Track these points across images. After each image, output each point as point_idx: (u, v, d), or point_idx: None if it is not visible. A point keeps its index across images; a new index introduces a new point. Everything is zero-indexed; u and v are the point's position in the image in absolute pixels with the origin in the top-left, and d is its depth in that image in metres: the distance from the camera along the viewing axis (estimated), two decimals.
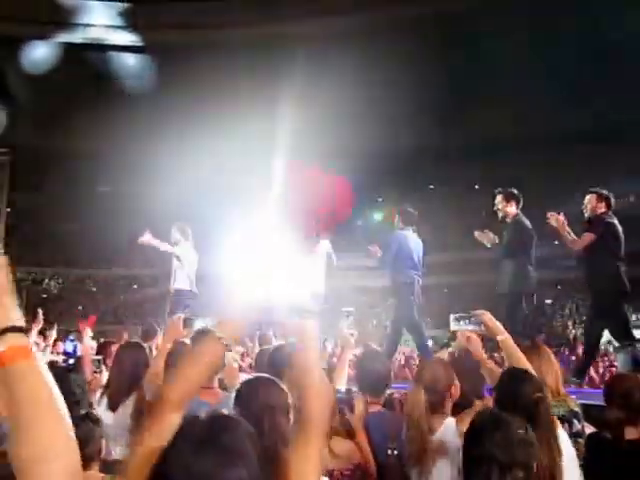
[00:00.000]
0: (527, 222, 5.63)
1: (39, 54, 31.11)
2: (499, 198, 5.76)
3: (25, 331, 1.13)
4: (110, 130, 35.50)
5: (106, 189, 40.02)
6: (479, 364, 2.97)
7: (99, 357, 4.73)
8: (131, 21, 31.90)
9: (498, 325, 2.90)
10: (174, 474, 1.02)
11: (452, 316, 3.29)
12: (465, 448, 1.89)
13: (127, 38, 32.32)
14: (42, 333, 6.33)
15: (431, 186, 37.65)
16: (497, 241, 5.74)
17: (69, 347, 6.68)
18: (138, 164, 31.83)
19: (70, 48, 31.44)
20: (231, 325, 1.43)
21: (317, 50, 28.23)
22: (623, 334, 5.36)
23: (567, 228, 5.41)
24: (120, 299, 35.54)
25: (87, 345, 5.06)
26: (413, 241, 6.27)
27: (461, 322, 3.27)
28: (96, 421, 2.47)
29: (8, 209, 31.48)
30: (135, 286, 36.45)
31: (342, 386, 3.31)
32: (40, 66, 30.71)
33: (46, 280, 36.31)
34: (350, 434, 2.68)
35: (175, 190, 28.40)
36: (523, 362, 2.71)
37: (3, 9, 30.04)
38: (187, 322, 3.64)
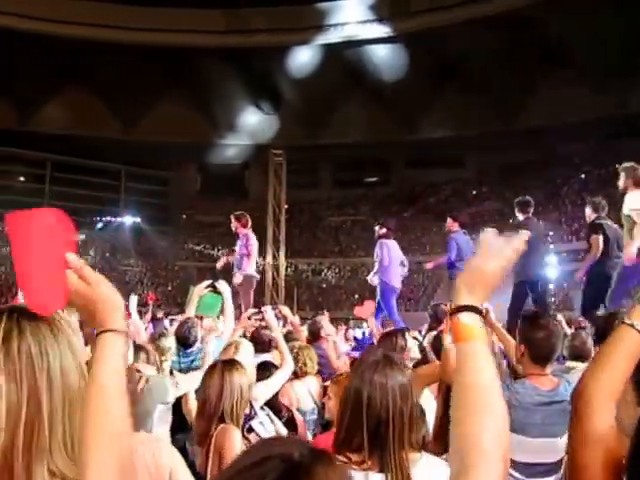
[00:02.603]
0: (534, 226, 6.53)
1: (303, 59, 33.03)
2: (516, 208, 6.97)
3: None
4: (371, 123, 36.46)
5: (374, 179, 41.91)
6: None
7: None
8: (383, 12, 32.10)
9: None
10: None
11: None
12: None
13: (380, 30, 32.60)
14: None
15: None
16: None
17: (359, 333, 6.40)
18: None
19: (329, 49, 32.80)
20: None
21: None
22: None
23: None
24: None
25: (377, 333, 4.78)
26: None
27: None
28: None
29: (286, 205, 33.98)
30: None
31: None
32: (304, 70, 32.61)
33: (324, 270, 38.55)
34: None
35: None
36: None
37: (269, 22, 32.58)
38: None
